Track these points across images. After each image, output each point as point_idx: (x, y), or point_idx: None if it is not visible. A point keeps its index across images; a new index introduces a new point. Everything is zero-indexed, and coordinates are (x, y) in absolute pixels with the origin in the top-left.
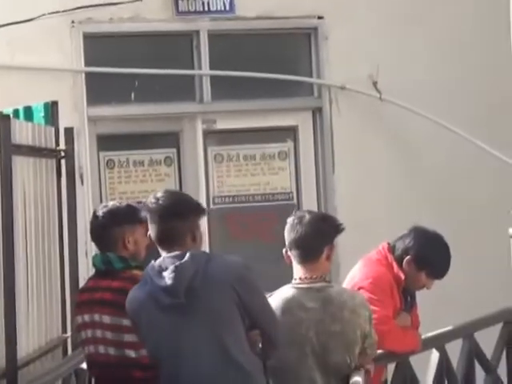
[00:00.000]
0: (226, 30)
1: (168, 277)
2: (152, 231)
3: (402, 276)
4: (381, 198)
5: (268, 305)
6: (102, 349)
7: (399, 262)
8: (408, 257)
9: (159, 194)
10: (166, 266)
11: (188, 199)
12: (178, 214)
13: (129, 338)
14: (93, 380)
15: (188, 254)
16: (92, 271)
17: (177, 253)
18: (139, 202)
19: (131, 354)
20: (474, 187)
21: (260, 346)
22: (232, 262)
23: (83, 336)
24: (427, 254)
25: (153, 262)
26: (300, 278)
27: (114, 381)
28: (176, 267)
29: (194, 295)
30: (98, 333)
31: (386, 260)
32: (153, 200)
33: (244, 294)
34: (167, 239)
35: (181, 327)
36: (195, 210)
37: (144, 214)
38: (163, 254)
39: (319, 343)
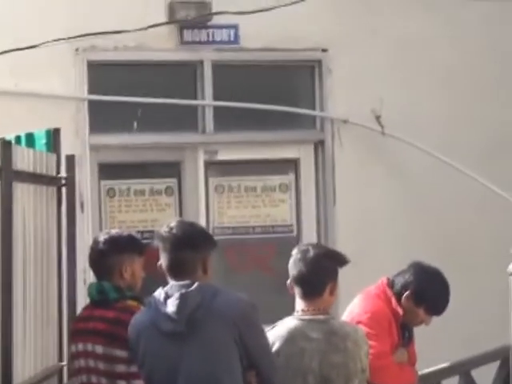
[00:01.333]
0: (230, 61)
1: (172, 304)
2: (163, 260)
3: (401, 311)
4: (381, 233)
5: (269, 347)
6: (94, 379)
7: (398, 297)
8: (407, 292)
9: (173, 224)
10: (172, 293)
11: (201, 230)
12: (190, 244)
13: (121, 368)
14: None
15: (196, 284)
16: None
17: (185, 282)
18: (140, 232)
19: None
20: (476, 224)
21: None
22: (238, 299)
23: (77, 365)
24: (426, 290)
25: (160, 288)
26: (302, 310)
27: None
28: (181, 295)
29: (195, 326)
30: (91, 362)
31: (384, 295)
32: (166, 229)
33: (245, 332)
34: (178, 269)
35: (177, 356)
36: (207, 241)
37: (156, 242)
38: (172, 283)
39: (321, 374)
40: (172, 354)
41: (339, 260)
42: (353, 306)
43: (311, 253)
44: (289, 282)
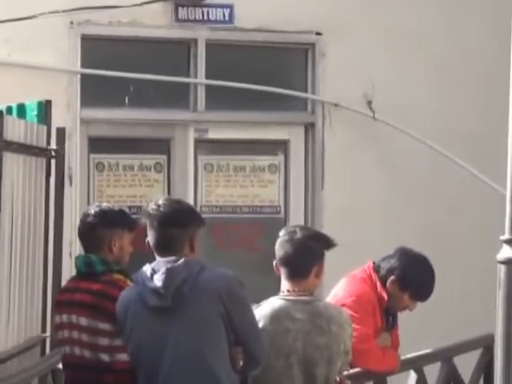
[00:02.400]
0: (224, 40)
1: (158, 279)
2: (150, 237)
3: (385, 296)
4: (368, 217)
5: (255, 323)
6: (77, 350)
7: (383, 281)
8: (392, 277)
9: (160, 201)
10: (158, 268)
11: (188, 208)
12: (177, 222)
13: (104, 341)
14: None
15: (182, 260)
16: (75, 272)
17: (172, 258)
18: (128, 207)
19: (105, 357)
20: (464, 211)
21: (241, 363)
22: (224, 275)
23: (60, 336)
24: (411, 276)
25: (147, 264)
26: (288, 291)
27: (86, 383)
28: (168, 270)
29: (182, 301)
30: (75, 334)
31: (370, 279)
32: (154, 206)
33: (231, 307)
34: (165, 247)
35: (164, 331)
36: (195, 219)
37: (143, 219)
38: (159, 259)
39: (305, 354)
40: (158, 328)
41: (326, 243)
42: (337, 288)
43: (298, 234)
44: (275, 262)
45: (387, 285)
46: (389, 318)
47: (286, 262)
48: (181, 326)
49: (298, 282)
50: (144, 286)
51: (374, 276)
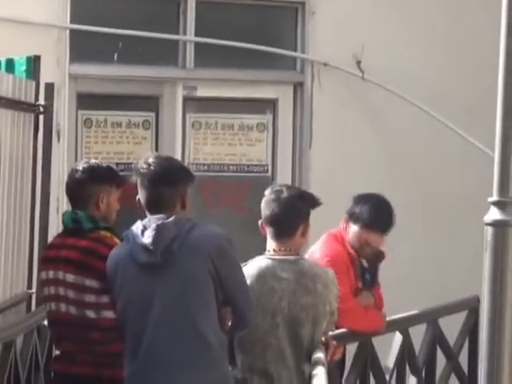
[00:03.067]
0: None
1: (148, 235)
2: (141, 196)
3: (351, 250)
4: (356, 177)
5: (244, 281)
6: (63, 307)
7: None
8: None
9: (151, 159)
10: (149, 225)
11: (179, 166)
12: (169, 180)
13: (90, 298)
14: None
15: (173, 217)
16: (62, 228)
17: (163, 215)
18: (115, 164)
19: (91, 314)
20: (451, 173)
21: (229, 323)
22: (214, 233)
23: (46, 292)
24: (358, 205)
25: (139, 221)
26: (274, 250)
27: (72, 340)
28: (158, 226)
29: (171, 258)
30: (61, 290)
31: (340, 235)
32: (144, 165)
33: (220, 264)
34: (156, 205)
35: (152, 288)
36: (186, 176)
37: (133, 177)
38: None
39: (290, 314)
40: (147, 285)
41: (312, 202)
42: (314, 247)
43: (285, 193)
44: (261, 221)
45: (342, 226)
46: (365, 276)
47: (272, 221)
48: (169, 283)
49: (284, 242)
50: (134, 243)
51: (344, 230)
